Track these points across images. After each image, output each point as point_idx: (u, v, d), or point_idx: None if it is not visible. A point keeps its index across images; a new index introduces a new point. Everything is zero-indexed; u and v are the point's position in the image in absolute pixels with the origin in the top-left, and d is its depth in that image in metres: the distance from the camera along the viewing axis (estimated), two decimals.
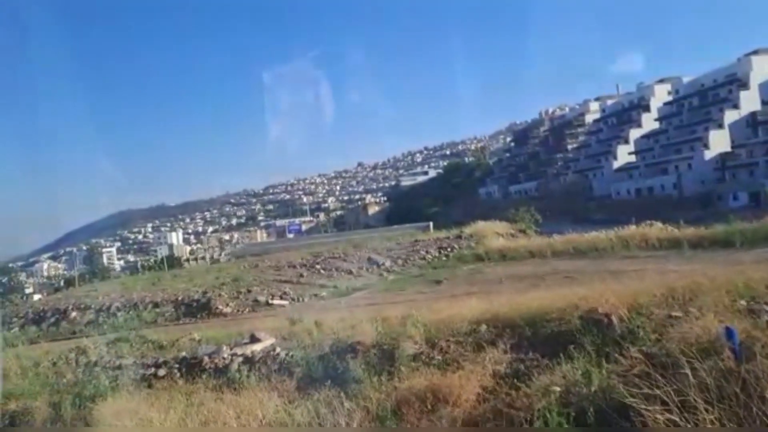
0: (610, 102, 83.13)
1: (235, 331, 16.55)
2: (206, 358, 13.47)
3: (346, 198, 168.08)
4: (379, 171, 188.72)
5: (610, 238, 23.33)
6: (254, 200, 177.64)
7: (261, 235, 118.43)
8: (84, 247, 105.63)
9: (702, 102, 65.05)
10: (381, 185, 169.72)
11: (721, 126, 59.62)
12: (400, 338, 11.24)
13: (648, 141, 70.02)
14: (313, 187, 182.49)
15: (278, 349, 13.19)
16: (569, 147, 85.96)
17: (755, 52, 61.21)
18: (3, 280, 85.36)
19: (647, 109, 73.30)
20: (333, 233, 78.87)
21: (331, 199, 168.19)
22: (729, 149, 57.04)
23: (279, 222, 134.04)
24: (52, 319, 24.48)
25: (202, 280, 29.49)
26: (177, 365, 13.74)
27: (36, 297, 53.04)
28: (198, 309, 22.05)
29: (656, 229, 23.80)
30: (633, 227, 24.42)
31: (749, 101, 58.92)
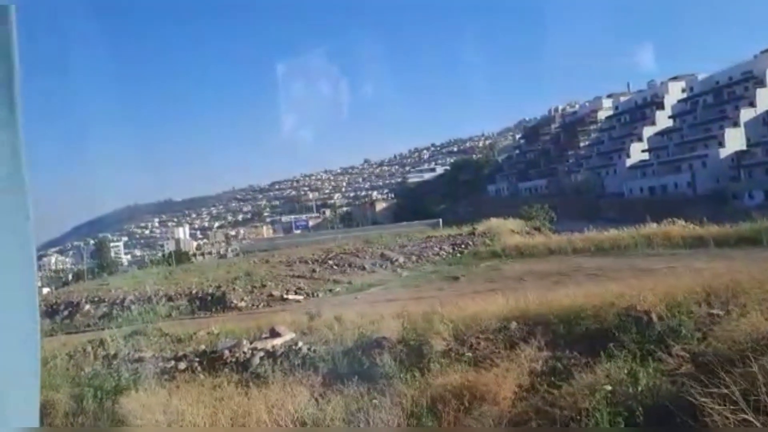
0: (623, 99, 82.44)
1: (253, 326, 16.35)
2: (227, 352, 13.27)
3: (352, 194, 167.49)
4: (385, 168, 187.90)
5: (632, 236, 23.01)
6: (260, 196, 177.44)
7: (267, 231, 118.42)
8: (91, 242, 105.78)
9: (717, 99, 64.36)
10: (387, 182, 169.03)
11: (736, 124, 58.93)
12: (427, 334, 11.00)
13: (662, 139, 69.37)
14: (319, 183, 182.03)
15: (300, 344, 12.97)
16: (581, 144, 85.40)
17: None
18: None
19: (661, 106, 72.62)
20: (340, 229, 78.64)
21: (337, 196, 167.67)
22: (744, 147, 56.38)
23: (285, 218, 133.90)
24: (66, 312, 24.36)
25: (214, 275, 29.32)
26: (197, 359, 13.55)
27: (45, 290, 53.15)
28: (213, 303, 21.87)
29: (679, 227, 23.48)
30: (654, 225, 24.12)
31: (766, 99, 58.23)
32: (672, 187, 58.68)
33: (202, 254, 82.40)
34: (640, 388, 7.06)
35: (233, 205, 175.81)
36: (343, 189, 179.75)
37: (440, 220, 55.94)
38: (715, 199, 46.73)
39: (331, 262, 28.99)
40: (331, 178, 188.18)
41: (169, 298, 23.51)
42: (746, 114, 58.88)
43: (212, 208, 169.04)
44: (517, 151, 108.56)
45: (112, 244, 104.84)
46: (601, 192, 69.75)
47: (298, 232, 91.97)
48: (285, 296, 21.60)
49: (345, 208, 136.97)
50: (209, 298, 22.41)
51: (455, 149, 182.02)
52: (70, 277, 69.47)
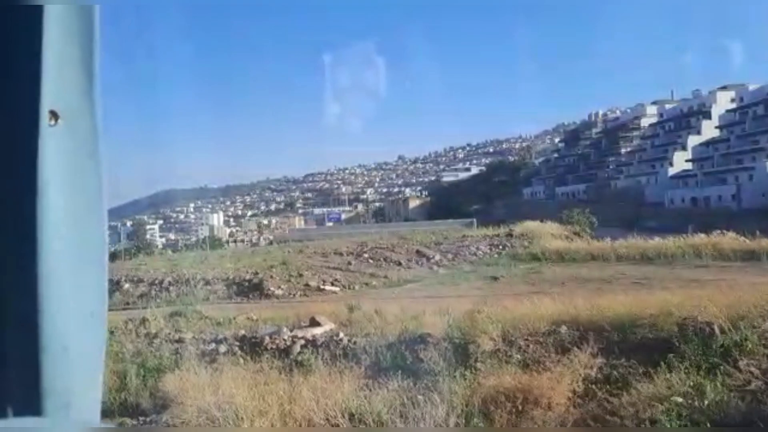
0: (668, 107, 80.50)
1: (292, 314, 16.35)
2: (267, 338, 13.28)
3: (384, 190, 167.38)
4: (419, 165, 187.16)
5: (679, 246, 22.32)
6: (294, 187, 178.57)
7: (299, 222, 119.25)
8: (129, 223, 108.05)
9: None
10: (421, 179, 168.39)
11: None
12: (473, 333, 10.80)
13: (707, 149, 67.49)
14: (352, 177, 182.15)
15: (341, 335, 12.89)
16: (622, 151, 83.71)
17: None
18: None
19: (708, 116, 70.65)
20: (373, 224, 78.66)
21: (369, 191, 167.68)
22: None
23: (317, 210, 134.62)
24: None
25: (250, 262, 29.51)
26: (238, 343, 13.61)
27: None
28: (250, 289, 21.99)
29: (729, 239, 22.69)
30: (703, 235, 23.39)
31: None
32: (715, 199, 57.04)
33: (235, 241, 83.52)
34: (707, 402, 6.77)
35: (267, 194, 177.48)
36: (376, 184, 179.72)
37: (474, 220, 55.45)
38: (762, 213, 45.20)
39: (366, 255, 28.90)
40: (365, 172, 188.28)
41: (207, 282, 23.73)
42: None
43: (246, 197, 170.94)
44: (556, 155, 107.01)
45: (148, 227, 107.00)
46: (641, 200, 68.24)
47: (331, 224, 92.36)
48: (321, 287, 21.59)
49: (377, 204, 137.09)
50: (246, 284, 22.54)
51: (491, 150, 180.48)
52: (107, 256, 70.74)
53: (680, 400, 6.49)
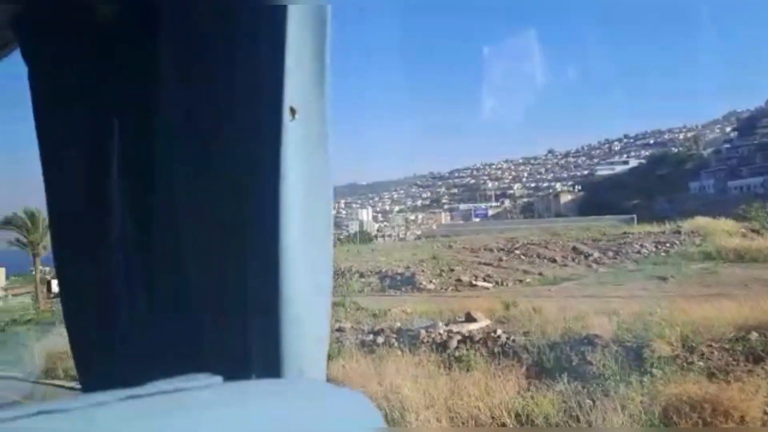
0: None
1: (445, 309, 16.39)
2: (423, 332, 13.42)
3: (533, 185, 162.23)
4: (571, 159, 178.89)
5: None
6: (439, 183, 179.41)
7: (445, 218, 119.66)
8: None
9: None
10: (572, 174, 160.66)
11: None
12: (647, 337, 10.02)
13: None
14: (499, 172, 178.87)
15: (498, 331, 12.66)
16: None
17: None
18: None
19: None
20: (522, 220, 76.65)
21: (516, 186, 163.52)
22: None
23: (463, 206, 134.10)
24: None
25: (400, 256, 30.09)
26: (394, 335, 13.91)
27: None
28: (402, 282, 22.42)
29: None
30: None
31: None
32: None
33: (383, 236, 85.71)
34: None
35: (413, 190, 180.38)
36: (524, 179, 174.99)
37: (635, 216, 51.80)
38: None
39: (517, 251, 28.16)
40: (512, 167, 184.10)
41: (361, 275, 24.58)
42: None
43: (393, 193, 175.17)
44: (728, 146, 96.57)
45: None
46: None
47: (477, 220, 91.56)
48: (473, 282, 21.40)
49: (525, 199, 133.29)
50: (399, 277, 23.01)
51: (651, 141, 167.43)
52: None
53: None
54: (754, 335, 9.36)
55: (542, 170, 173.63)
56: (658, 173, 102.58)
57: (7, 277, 40.81)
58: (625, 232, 33.27)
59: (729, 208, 40.21)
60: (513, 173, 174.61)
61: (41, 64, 1.26)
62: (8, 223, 30.80)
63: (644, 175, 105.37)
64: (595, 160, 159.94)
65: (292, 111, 0.88)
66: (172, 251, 1.06)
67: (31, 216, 30.08)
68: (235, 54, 0.95)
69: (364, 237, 73.11)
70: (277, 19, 0.88)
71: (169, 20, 1.05)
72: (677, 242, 27.41)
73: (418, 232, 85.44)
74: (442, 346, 12.52)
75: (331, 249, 0.95)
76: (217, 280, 0.98)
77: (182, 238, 1.04)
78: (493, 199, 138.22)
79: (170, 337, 1.06)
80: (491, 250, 29.41)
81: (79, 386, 1.28)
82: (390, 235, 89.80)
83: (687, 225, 32.47)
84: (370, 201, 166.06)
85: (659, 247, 26.81)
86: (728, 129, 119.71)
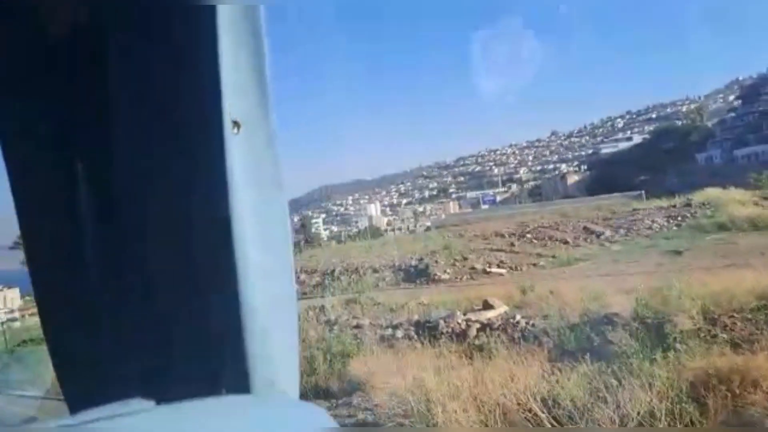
0: None
1: (461, 298, 16.39)
2: (442, 323, 13.40)
3: (538, 168, 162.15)
4: (574, 139, 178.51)
5: None
6: (445, 172, 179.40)
7: (453, 207, 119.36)
8: (296, 219, 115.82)
9: None
10: (577, 154, 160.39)
11: None
12: (668, 312, 9.97)
13: None
14: (504, 158, 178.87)
15: (517, 317, 12.63)
16: None
17: None
18: None
19: None
20: (530, 204, 76.37)
21: (522, 170, 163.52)
22: None
23: (470, 194, 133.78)
24: None
25: (412, 248, 30.06)
26: (413, 328, 13.91)
27: None
28: (416, 275, 22.41)
29: None
30: None
31: None
32: None
33: (392, 230, 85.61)
34: None
35: (420, 182, 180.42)
36: (529, 163, 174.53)
37: (642, 191, 51.56)
38: None
39: (529, 236, 28.09)
40: (517, 152, 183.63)
41: (374, 270, 24.60)
42: None
43: (400, 186, 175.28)
44: (732, 114, 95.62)
45: (313, 221, 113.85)
46: None
47: (486, 207, 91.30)
48: (487, 269, 21.34)
49: (532, 182, 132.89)
50: (412, 269, 23.01)
51: (654, 116, 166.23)
52: None
53: None
54: None
55: (547, 152, 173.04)
56: (664, 147, 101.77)
57: (21, 297, 41.14)
58: (634, 209, 33.13)
59: (738, 178, 39.85)
60: (518, 157, 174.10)
61: None
62: (21, 242, 30.95)
63: (649, 150, 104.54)
64: (599, 139, 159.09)
65: (236, 124, 0.89)
66: (133, 267, 1.04)
67: None
68: (175, 71, 0.95)
69: (374, 232, 73.14)
70: (208, 26, 0.87)
71: (110, 39, 1.03)
72: (689, 215, 27.23)
73: (428, 223, 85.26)
74: (462, 335, 12.52)
75: (291, 258, 0.97)
76: (179, 297, 0.97)
77: (143, 254, 1.04)
78: (500, 185, 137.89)
79: (139, 352, 1.02)
80: (503, 236, 29.36)
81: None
82: (400, 228, 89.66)
83: (697, 197, 32.31)
84: (378, 195, 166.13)
85: (671, 221, 26.65)
86: (732, 98, 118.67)
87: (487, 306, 13.74)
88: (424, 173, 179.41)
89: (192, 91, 0.92)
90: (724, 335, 8.82)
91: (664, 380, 7.10)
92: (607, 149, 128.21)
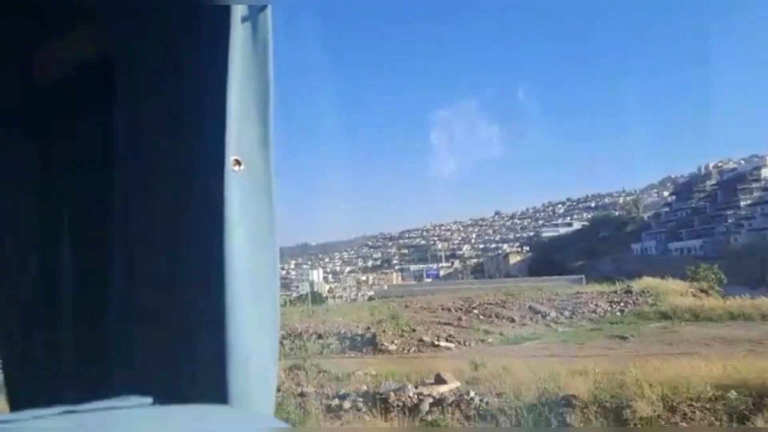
0: None
1: (411, 370, 15.88)
2: (392, 395, 12.85)
3: (481, 246, 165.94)
4: (517, 221, 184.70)
5: None
6: (390, 243, 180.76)
7: (396, 278, 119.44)
8: None
9: None
10: (519, 235, 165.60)
11: None
12: (625, 396, 9.84)
13: None
14: (448, 233, 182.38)
15: (471, 393, 12.23)
16: (742, 204, 77.80)
17: None
18: None
19: None
20: (472, 280, 77.23)
21: (466, 247, 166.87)
22: None
23: (413, 266, 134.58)
24: None
25: (357, 316, 29.45)
26: (361, 399, 13.26)
27: None
28: (363, 343, 21.76)
29: None
30: None
31: None
32: None
33: (334, 297, 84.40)
34: None
35: (364, 251, 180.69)
36: (473, 240, 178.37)
37: (583, 276, 52.94)
38: None
39: (476, 311, 28.01)
40: (461, 228, 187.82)
41: (319, 336, 23.79)
42: None
43: (344, 253, 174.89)
44: (667, 209, 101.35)
45: None
46: (766, 255, 62.46)
47: (429, 280, 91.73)
48: (436, 343, 20.96)
49: (474, 260, 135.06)
50: (359, 338, 22.35)
51: (593, 204, 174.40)
52: None
53: None
54: (733, 394, 9.30)
55: (490, 231, 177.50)
56: (601, 235, 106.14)
57: None
58: (577, 292, 33.77)
59: (672, 269, 41.61)
60: (462, 234, 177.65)
61: None
62: None
63: (587, 236, 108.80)
64: (540, 222, 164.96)
65: (237, 162, 0.92)
66: (123, 290, 1.07)
67: None
68: (181, 105, 0.98)
69: (316, 298, 71.79)
70: (222, 72, 0.91)
71: (120, 75, 1.08)
72: (630, 301, 27.91)
73: (371, 293, 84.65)
74: (413, 409, 11.99)
75: (278, 294, 0.99)
76: (168, 324, 0.99)
77: (135, 277, 1.05)
78: (443, 259, 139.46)
79: (120, 374, 1.07)
80: (449, 310, 29.19)
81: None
82: (341, 296, 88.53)
83: (637, 285, 33.24)
84: (321, 261, 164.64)
85: (613, 306, 27.22)
86: (666, 193, 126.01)
87: (439, 380, 13.32)
88: (369, 243, 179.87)
89: (197, 125, 0.95)
90: (685, 424, 8.72)
91: None
92: (548, 233, 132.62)
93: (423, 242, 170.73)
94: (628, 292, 31.33)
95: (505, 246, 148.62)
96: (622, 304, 27.50)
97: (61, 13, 1.18)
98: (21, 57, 1.24)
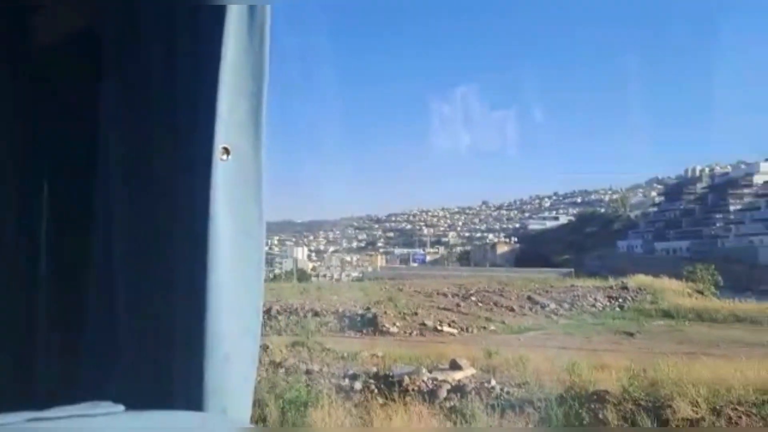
0: None
1: (419, 354, 15.41)
2: (406, 378, 12.35)
3: (467, 235, 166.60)
4: (503, 212, 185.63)
5: None
6: (376, 226, 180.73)
7: (380, 261, 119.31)
8: None
9: None
10: (505, 226, 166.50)
11: None
12: (663, 395, 9.40)
13: None
14: (434, 219, 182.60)
15: (492, 381, 11.77)
16: (731, 208, 78.29)
17: None
18: None
19: None
20: (460, 267, 77.19)
21: (451, 234, 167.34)
22: None
23: (398, 250, 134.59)
24: None
25: (352, 295, 28.98)
26: (373, 380, 12.75)
27: None
28: (363, 324, 21.25)
29: None
30: None
31: None
32: None
33: (317, 276, 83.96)
34: None
35: (349, 231, 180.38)
36: (458, 228, 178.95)
37: (572, 269, 53.13)
38: None
39: (473, 298, 27.62)
40: (448, 216, 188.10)
41: (316, 313, 23.25)
42: None
43: (329, 233, 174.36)
44: (655, 209, 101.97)
45: None
46: (753, 261, 62.97)
47: (415, 264, 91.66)
48: (438, 327, 20.51)
49: (459, 248, 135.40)
50: (359, 318, 21.84)
51: (579, 200, 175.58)
52: None
53: None
54: None
55: (476, 220, 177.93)
56: (587, 230, 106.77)
57: None
58: (572, 285, 33.55)
59: (660, 268, 41.62)
60: (448, 221, 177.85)
61: None
62: None
63: (574, 231, 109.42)
64: (527, 214, 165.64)
65: (226, 150, 0.89)
66: (100, 282, 1.03)
67: None
68: (173, 93, 0.95)
69: (301, 275, 71.29)
70: (214, 59, 0.87)
71: (109, 59, 1.04)
72: (629, 298, 27.72)
73: (355, 273, 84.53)
74: (430, 395, 11.49)
75: (262, 292, 0.95)
76: (146, 317, 0.96)
77: (114, 268, 1.01)
78: (428, 245, 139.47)
79: (95, 370, 1.03)
80: (445, 295, 28.81)
81: None
82: (324, 275, 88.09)
83: (632, 282, 33.12)
84: (305, 239, 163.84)
85: (612, 301, 27.03)
86: (653, 194, 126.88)
87: (455, 366, 12.84)
88: (355, 223, 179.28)
89: (187, 113, 0.92)
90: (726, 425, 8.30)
91: None
92: (534, 225, 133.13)
93: (409, 227, 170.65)
94: (624, 288, 31.18)
95: (491, 236, 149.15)
96: (620, 299, 27.30)
97: None
98: (11, 44, 1.20)
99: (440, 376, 12.43)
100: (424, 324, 20.84)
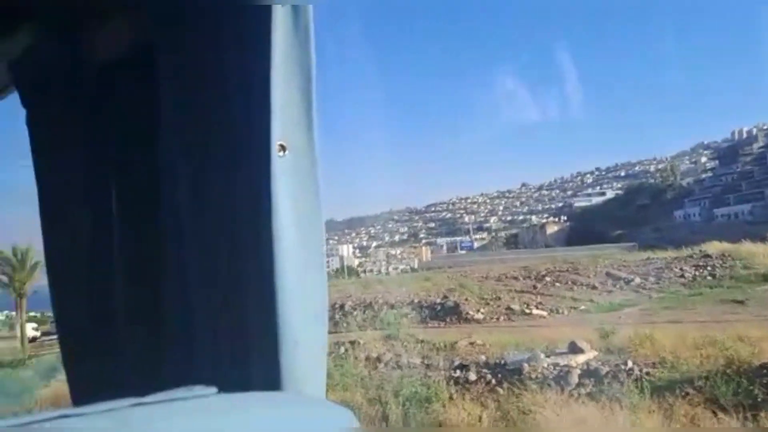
0: None
1: (521, 339, 14.42)
2: (525, 365, 11.38)
3: (509, 218, 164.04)
4: (545, 192, 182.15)
5: None
6: (416, 218, 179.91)
7: (426, 252, 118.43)
8: None
9: None
10: (547, 207, 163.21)
11: None
12: None
13: None
14: (474, 206, 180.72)
15: (630, 363, 10.69)
16: None
17: None
18: None
19: None
20: (517, 250, 75.73)
21: (493, 219, 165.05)
22: None
23: (440, 240, 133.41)
24: None
25: (419, 286, 28.08)
26: (487, 370, 11.84)
27: None
28: (445, 312, 20.34)
29: None
30: None
31: None
32: None
33: (365, 271, 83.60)
34: None
35: (390, 225, 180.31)
36: (500, 212, 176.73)
37: (636, 243, 51.19)
38: None
39: (548, 279, 26.39)
40: (488, 201, 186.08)
41: (391, 306, 22.44)
42: None
43: (370, 228, 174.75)
44: (709, 174, 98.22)
45: None
46: None
47: (463, 252, 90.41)
48: (526, 311, 19.46)
49: (503, 232, 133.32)
50: (439, 307, 20.93)
51: (623, 173, 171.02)
52: None
53: None
54: None
55: (517, 203, 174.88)
56: (639, 203, 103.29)
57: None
58: (648, 258, 31.84)
59: (723, 234, 39.44)
60: (489, 207, 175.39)
61: (39, 108, 1.31)
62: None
63: (623, 205, 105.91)
64: (569, 193, 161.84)
65: (282, 147, 0.91)
66: (174, 277, 1.08)
67: (18, 254, 27.45)
68: (226, 93, 0.98)
69: (351, 271, 71.11)
70: (265, 58, 0.90)
71: (164, 63, 1.08)
72: (717, 265, 25.97)
73: (401, 267, 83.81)
74: (560, 381, 10.51)
75: (326, 281, 0.97)
76: (220, 310, 0.99)
77: (185, 264, 1.05)
78: (471, 232, 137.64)
79: (172, 356, 1.08)
80: (516, 279, 27.63)
81: None
82: (371, 270, 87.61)
83: (712, 249, 31.25)
84: (348, 236, 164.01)
85: (700, 270, 25.35)
86: (703, 159, 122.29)
87: (575, 349, 11.79)
88: (395, 217, 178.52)
89: (243, 112, 0.95)
90: None
91: None
92: (580, 203, 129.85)
93: (449, 215, 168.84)
94: (707, 255, 29.36)
95: (534, 217, 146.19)
96: (709, 268, 25.61)
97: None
98: (65, 45, 1.22)
99: (561, 361, 11.44)
100: (510, 308, 19.81)
